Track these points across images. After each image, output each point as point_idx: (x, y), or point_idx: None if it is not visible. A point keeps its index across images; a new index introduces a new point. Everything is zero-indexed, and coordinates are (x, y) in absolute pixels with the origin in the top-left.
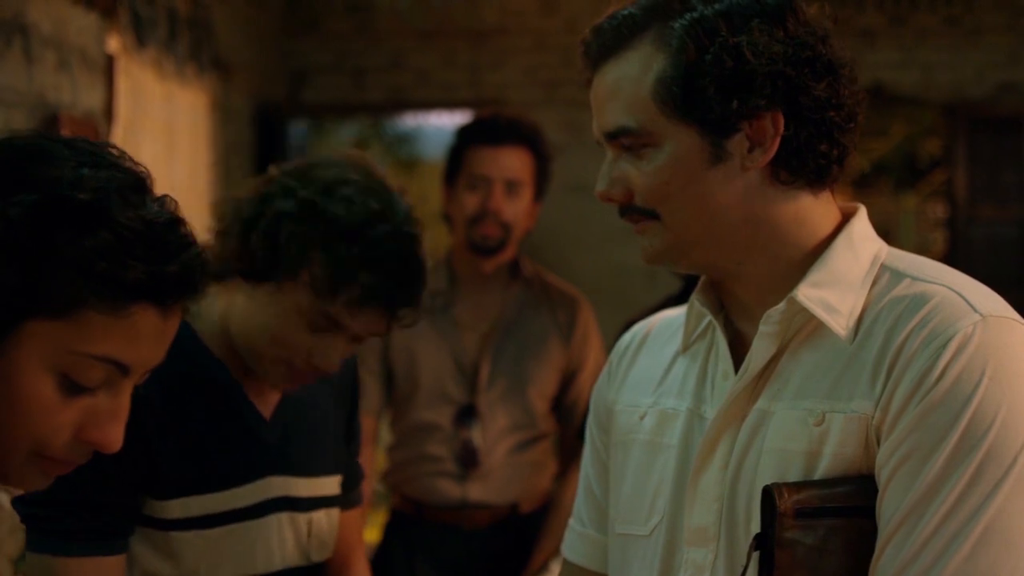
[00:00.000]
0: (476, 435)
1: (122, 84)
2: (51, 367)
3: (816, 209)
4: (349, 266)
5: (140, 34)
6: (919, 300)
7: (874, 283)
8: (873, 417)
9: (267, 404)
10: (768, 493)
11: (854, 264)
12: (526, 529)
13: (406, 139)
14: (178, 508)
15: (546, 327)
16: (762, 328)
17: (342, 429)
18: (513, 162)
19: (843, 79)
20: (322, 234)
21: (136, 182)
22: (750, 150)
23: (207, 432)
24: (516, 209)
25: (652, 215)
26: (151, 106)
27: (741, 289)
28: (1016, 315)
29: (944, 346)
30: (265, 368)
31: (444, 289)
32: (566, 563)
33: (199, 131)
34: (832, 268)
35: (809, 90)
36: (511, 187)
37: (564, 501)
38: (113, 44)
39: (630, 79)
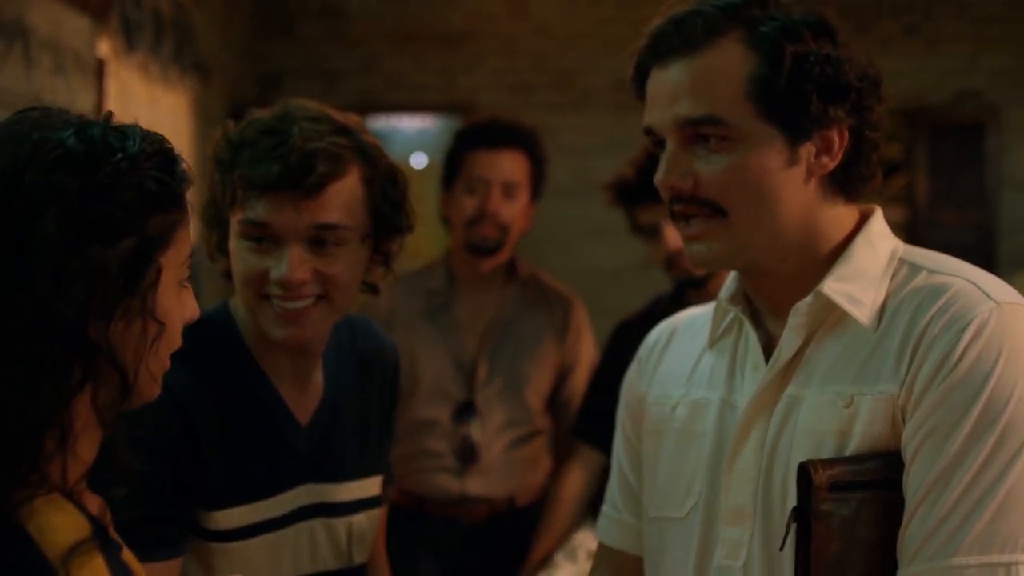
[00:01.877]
0: (475, 431)
1: (111, 87)
2: (176, 282)
3: (846, 213)
4: (229, 166)
5: (129, 38)
6: (938, 290)
7: (893, 276)
8: (899, 397)
9: (305, 410)
10: (804, 469)
11: (874, 259)
12: (523, 523)
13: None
14: (223, 520)
15: (541, 326)
16: (791, 320)
17: (386, 424)
18: (510, 165)
19: (885, 100)
20: (217, 157)
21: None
22: (816, 156)
23: (249, 443)
24: (513, 211)
25: (719, 210)
26: (137, 109)
27: (770, 287)
28: None
29: (963, 330)
30: (258, 319)
31: (443, 289)
32: (602, 546)
33: (181, 133)
34: (854, 264)
35: (872, 109)
36: (508, 189)
37: (562, 496)
38: (104, 47)
39: (722, 73)
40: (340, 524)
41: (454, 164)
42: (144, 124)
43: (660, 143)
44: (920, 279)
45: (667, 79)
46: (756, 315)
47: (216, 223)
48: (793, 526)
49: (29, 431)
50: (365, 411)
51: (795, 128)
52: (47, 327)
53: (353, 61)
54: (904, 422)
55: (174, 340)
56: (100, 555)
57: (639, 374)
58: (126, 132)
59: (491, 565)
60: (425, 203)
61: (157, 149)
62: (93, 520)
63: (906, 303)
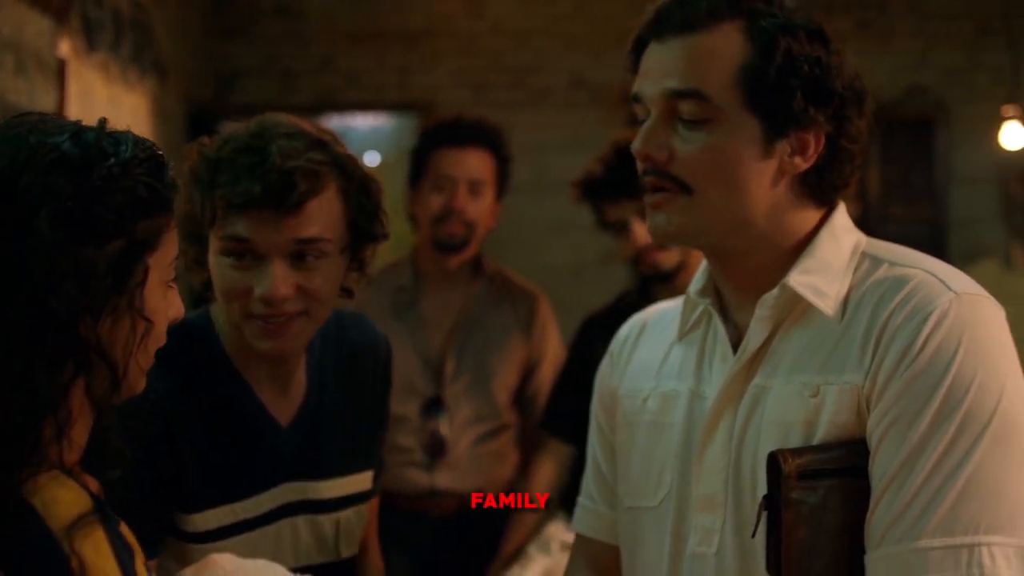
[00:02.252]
0: (443, 426)
1: (72, 87)
2: (162, 282)
3: (811, 216)
4: (208, 184)
5: (90, 38)
6: (899, 282)
7: (856, 269)
8: (863, 387)
9: (286, 411)
10: (773, 458)
11: (838, 253)
12: (491, 517)
13: None
14: (200, 521)
15: (508, 322)
16: (758, 312)
17: (378, 416)
18: (476, 163)
19: (867, 115)
20: (194, 174)
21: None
22: (790, 155)
23: (228, 446)
24: (479, 208)
25: (686, 188)
26: (97, 109)
27: (737, 278)
28: (984, 292)
29: (924, 321)
30: (247, 332)
31: (409, 286)
32: (579, 537)
33: (140, 133)
34: (819, 257)
35: (852, 120)
36: (474, 187)
37: (532, 489)
38: (65, 48)
39: (717, 55)
40: (326, 520)
41: (420, 162)
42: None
43: (645, 116)
44: (882, 271)
45: (663, 53)
46: (724, 308)
47: (194, 238)
48: (764, 514)
49: (29, 420)
50: (357, 406)
51: (775, 122)
52: (42, 324)
53: (310, 60)
54: (869, 411)
55: (160, 337)
56: (101, 528)
57: (611, 367)
58: (120, 138)
59: (460, 559)
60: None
61: (148, 155)
62: (93, 496)
63: (869, 295)
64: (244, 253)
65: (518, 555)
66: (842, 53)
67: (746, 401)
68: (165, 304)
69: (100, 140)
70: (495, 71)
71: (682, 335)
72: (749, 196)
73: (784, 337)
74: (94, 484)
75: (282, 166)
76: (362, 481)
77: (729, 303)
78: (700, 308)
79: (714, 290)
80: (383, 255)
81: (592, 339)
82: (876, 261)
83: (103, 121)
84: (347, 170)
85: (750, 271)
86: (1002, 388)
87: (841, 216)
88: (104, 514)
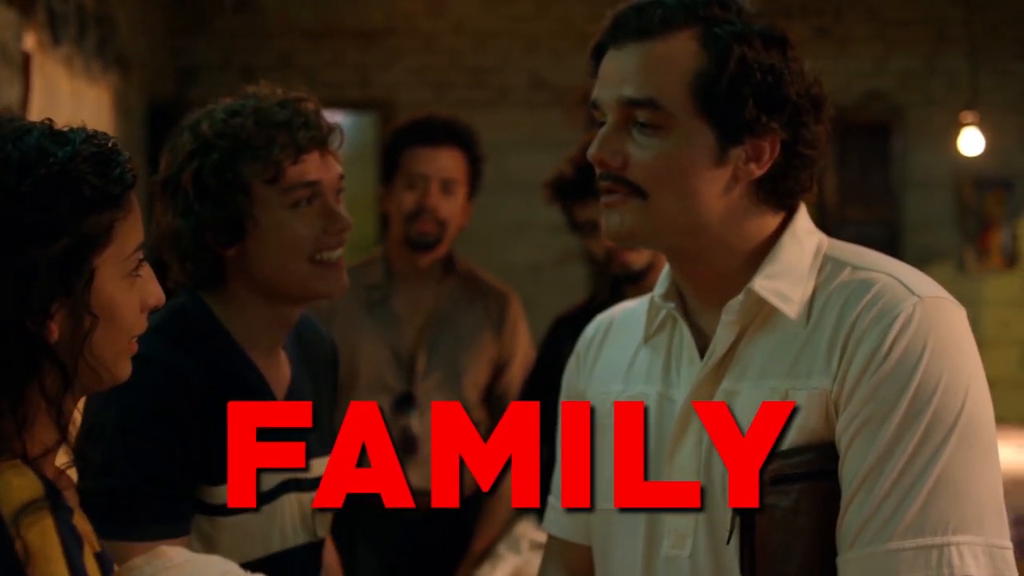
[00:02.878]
0: (414, 423)
1: (36, 81)
2: (120, 275)
3: (770, 222)
4: (264, 144)
5: (55, 32)
6: (864, 286)
7: (819, 271)
8: (831, 391)
9: (279, 385)
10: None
11: (801, 256)
12: (461, 514)
13: None
14: (223, 494)
15: (479, 320)
16: (724, 318)
17: (330, 411)
18: (448, 162)
19: (824, 121)
20: (233, 144)
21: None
22: (745, 162)
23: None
24: (451, 207)
25: (640, 193)
26: (61, 103)
27: (700, 282)
28: (947, 294)
29: (890, 325)
30: (309, 278)
31: (382, 283)
32: (550, 538)
33: (103, 127)
34: (783, 261)
35: (809, 127)
36: (447, 186)
37: (500, 488)
38: (30, 41)
39: (671, 63)
40: (307, 499)
41: (392, 160)
42: (67, 118)
43: (603, 121)
44: (845, 275)
45: (619, 60)
46: (688, 312)
47: (224, 215)
48: (737, 519)
49: None
50: (319, 392)
51: (728, 130)
52: None
53: (269, 57)
54: (837, 415)
55: (128, 327)
56: (51, 515)
57: (578, 368)
58: (67, 136)
59: (430, 557)
60: None
61: (95, 152)
62: (48, 484)
63: (833, 298)
64: (310, 198)
65: (488, 554)
66: (801, 59)
67: (730, 393)
68: (129, 296)
69: (42, 141)
70: (455, 70)
71: (647, 338)
72: (702, 202)
73: (750, 342)
74: (54, 472)
75: (315, 111)
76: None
77: (692, 307)
78: (664, 312)
79: (677, 294)
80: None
81: (562, 339)
82: (839, 264)
83: (49, 121)
84: None
85: (711, 276)
86: (966, 389)
87: (802, 219)
88: (56, 502)
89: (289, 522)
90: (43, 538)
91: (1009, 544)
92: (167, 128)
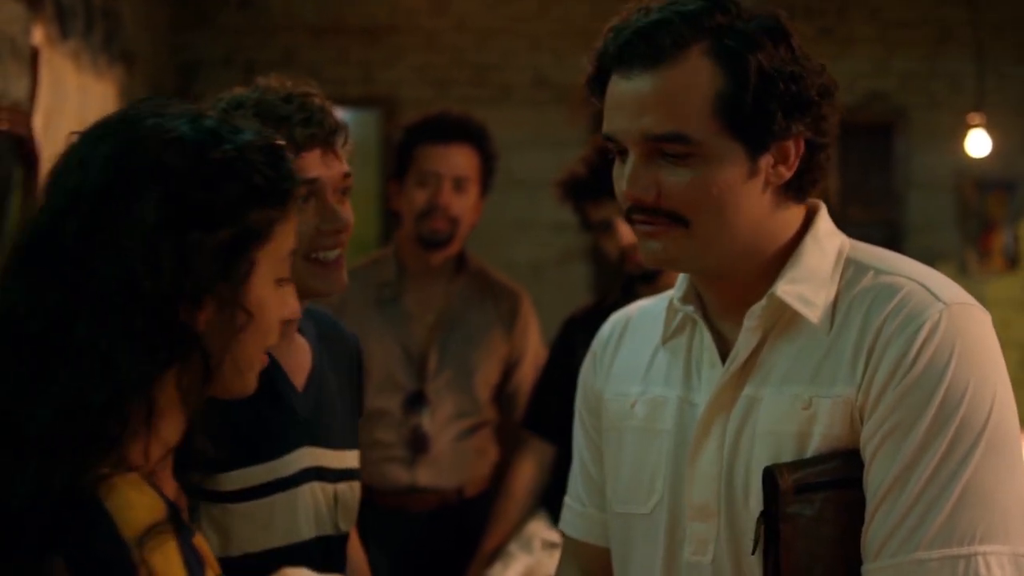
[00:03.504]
0: (425, 421)
1: (44, 75)
2: (273, 277)
3: (794, 213)
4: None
5: (63, 26)
6: (888, 292)
7: (842, 276)
8: (856, 399)
9: (299, 375)
10: (770, 473)
11: (822, 260)
12: (470, 514)
13: None
14: (239, 479)
15: (489, 319)
16: (746, 323)
17: (357, 402)
18: (461, 160)
19: (838, 108)
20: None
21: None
22: (773, 167)
23: (251, 405)
24: (463, 205)
25: (682, 221)
26: (68, 97)
27: (721, 289)
28: (972, 300)
29: (916, 332)
30: (307, 276)
31: (393, 281)
32: (568, 540)
33: None
34: (805, 265)
35: (827, 118)
36: (459, 183)
37: (514, 487)
38: (38, 35)
39: (690, 90)
40: (330, 490)
41: (405, 157)
42: (74, 113)
43: (621, 152)
44: (868, 279)
45: (631, 90)
46: (708, 315)
47: None
48: (762, 528)
49: (112, 403)
50: (342, 385)
51: (757, 142)
52: (135, 304)
53: (272, 53)
54: (862, 423)
55: (267, 335)
56: (174, 538)
57: (594, 368)
58: (239, 126)
59: (441, 556)
60: None
61: (267, 144)
62: (170, 503)
63: (857, 304)
64: (307, 196)
65: (499, 553)
66: (803, 47)
67: (738, 411)
68: (276, 300)
69: (219, 126)
70: (458, 68)
71: (666, 340)
72: (741, 216)
73: (773, 347)
74: (172, 488)
75: (322, 107)
76: (353, 458)
77: (713, 311)
78: (682, 314)
79: (696, 296)
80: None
81: (574, 339)
82: (861, 268)
83: (224, 109)
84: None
85: (736, 283)
86: (993, 396)
87: (823, 220)
88: (179, 524)
89: (311, 512)
90: (167, 562)
91: None
92: None
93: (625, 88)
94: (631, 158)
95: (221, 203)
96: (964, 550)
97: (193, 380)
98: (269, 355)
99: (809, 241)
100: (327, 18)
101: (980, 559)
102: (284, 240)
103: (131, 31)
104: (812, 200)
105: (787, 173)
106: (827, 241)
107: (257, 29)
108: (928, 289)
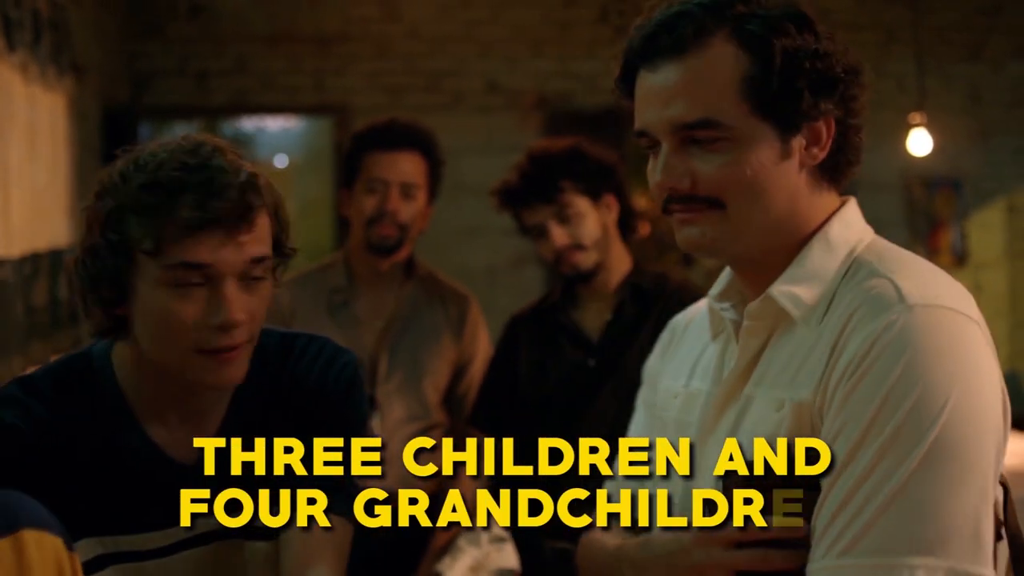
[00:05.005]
0: (376, 425)
1: None
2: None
3: (828, 199)
4: (147, 209)
5: (10, 38)
6: (862, 292)
7: (846, 276)
8: (815, 402)
9: (188, 450)
10: (724, 486)
11: (827, 259)
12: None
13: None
14: (140, 541)
15: (439, 322)
16: (745, 322)
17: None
18: (408, 166)
19: (866, 86)
20: (121, 204)
21: None
22: (806, 148)
23: (107, 483)
24: (412, 211)
25: (718, 204)
26: (17, 109)
27: (761, 282)
28: (953, 304)
29: (871, 333)
30: (189, 368)
31: (343, 286)
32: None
33: (58, 134)
34: (807, 263)
35: (857, 98)
36: (407, 190)
37: (459, 485)
38: None
39: (716, 75)
40: (240, 547)
41: (353, 164)
42: (23, 125)
43: (653, 145)
44: (858, 279)
45: (658, 82)
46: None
47: (108, 274)
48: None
49: None
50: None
51: (787, 123)
52: None
53: (224, 62)
54: (822, 424)
55: None
56: None
57: (660, 359)
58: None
59: (391, 554)
60: (287, 202)
61: None
62: None
63: (843, 305)
64: (194, 281)
65: (448, 547)
66: (829, 30)
67: (735, 410)
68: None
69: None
70: (410, 75)
71: (714, 335)
72: (775, 198)
73: (775, 345)
74: None
75: (235, 181)
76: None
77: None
78: (718, 310)
79: (738, 291)
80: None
81: (517, 337)
82: (862, 268)
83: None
84: (270, 185)
85: (770, 272)
86: (945, 404)
87: (840, 218)
88: None
89: (230, 571)
90: None
91: (985, 571)
92: (122, 134)
93: (652, 81)
94: (664, 149)
95: None
96: (891, 560)
97: None
98: (142, 433)
99: (818, 240)
100: (279, 26)
101: (906, 571)
102: None
103: (81, 42)
104: (845, 196)
105: (820, 154)
106: (839, 240)
107: (209, 38)
108: (898, 289)
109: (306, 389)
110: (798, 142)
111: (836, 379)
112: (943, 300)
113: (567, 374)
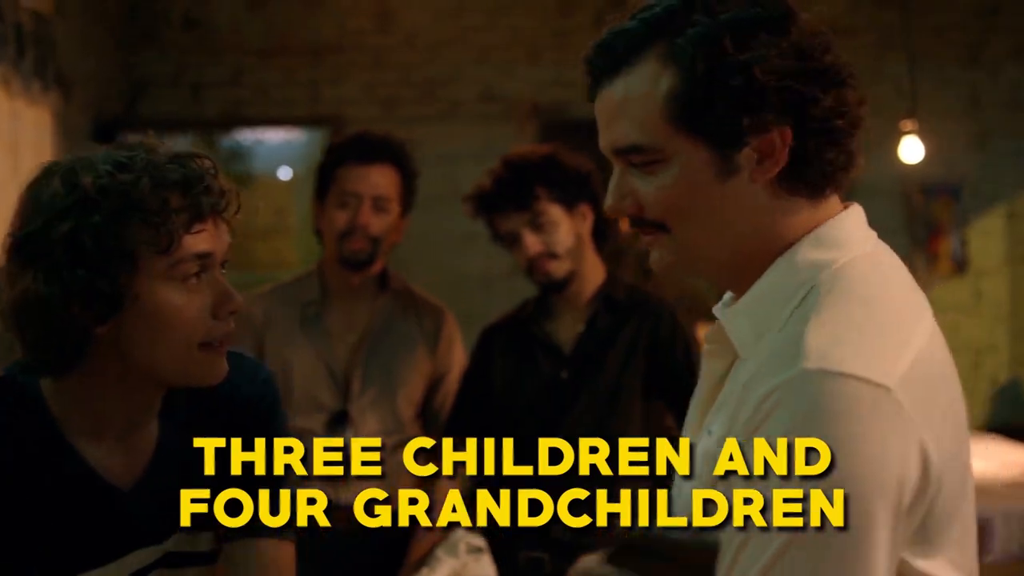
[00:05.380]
0: (349, 440)
1: None
2: None
3: (807, 212)
4: (156, 211)
5: None
6: (780, 339)
7: (800, 305)
8: (712, 447)
9: (130, 473)
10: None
11: (783, 286)
12: (396, 528)
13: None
14: None
15: (413, 336)
16: (705, 346)
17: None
18: (380, 179)
19: (848, 86)
20: (106, 206)
21: None
22: (759, 162)
23: (45, 514)
24: (384, 224)
25: (663, 228)
26: (1, 124)
27: (743, 292)
28: (855, 368)
29: (763, 393)
30: (191, 365)
31: (316, 299)
32: None
33: (43, 148)
34: (761, 286)
35: (818, 102)
36: (379, 203)
37: (437, 495)
38: None
39: (639, 96)
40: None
41: (325, 178)
42: (5, 140)
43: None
44: (797, 317)
45: (600, 104)
46: None
47: (102, 284)
48: None
49: None
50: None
51: (723, 139)
52: None
53: (219, 73)
54: None
55: None
56: None
57: None
58: None
59: (368, 568)
60: (290, 214)
61: None
62: None
63: (767, 349)
64: (199, 272)
65: (426, 558)
66: (804, 30)
67: (702, 437)
68: None
69: None
70: (405, 85)
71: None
72: (723, 216)
73: (733, 374)
74: None
75: (213, 170)
76: (204, 541)
77: None
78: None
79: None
80: (289, 266)
81: (492, 348)
82: (807, 300)
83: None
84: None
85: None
86: (819, 479)
87: (811, 239)
88: None
89: None
90: None
91: None
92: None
93: (597, 103)
94: (614, 171)
95: None
96: None
97: None
98: (82, 461)
99: (782, 260)
100: (274, 38)
101: None
102: None
103: (71, 54)
104: (847, 203)
105: (774, 168)
106: (804, 260)
107: (204, 50)
108: (803, 346)
109: (235, 403)
110: (746, 157)
111: (721, 432)
112: (846, 364)
113: (540, 386)
